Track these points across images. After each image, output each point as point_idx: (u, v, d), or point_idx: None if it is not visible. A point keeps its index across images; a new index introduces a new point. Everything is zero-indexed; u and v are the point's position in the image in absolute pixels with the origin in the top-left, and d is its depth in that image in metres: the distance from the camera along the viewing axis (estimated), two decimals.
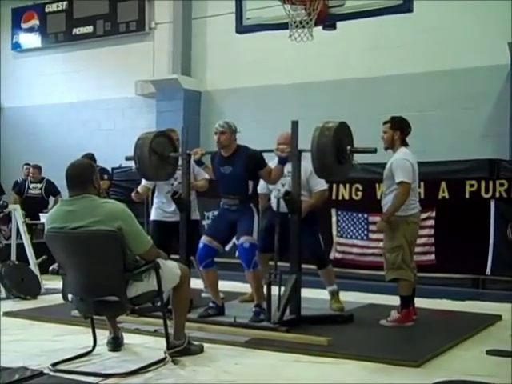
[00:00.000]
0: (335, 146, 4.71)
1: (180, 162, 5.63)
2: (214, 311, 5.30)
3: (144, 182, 6.09)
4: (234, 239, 5.52)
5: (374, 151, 4.90)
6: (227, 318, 5.15)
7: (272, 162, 5.34)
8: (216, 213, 5.92)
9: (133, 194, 6.07)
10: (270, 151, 5.29)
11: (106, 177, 9.11)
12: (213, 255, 5.31)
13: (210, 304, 5.36)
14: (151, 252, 3.99)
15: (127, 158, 5.70)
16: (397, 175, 5.12)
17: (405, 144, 5.33)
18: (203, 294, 6.08)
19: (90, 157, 8.52)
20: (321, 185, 5.67)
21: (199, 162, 5.53)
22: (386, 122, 5.38)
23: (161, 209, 6.08)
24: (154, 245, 4.04)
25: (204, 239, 5.30)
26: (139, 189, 6.12)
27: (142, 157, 5.42)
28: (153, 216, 6.18)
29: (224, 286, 6.04)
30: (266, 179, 5.35)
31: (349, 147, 4.83)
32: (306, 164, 5.19)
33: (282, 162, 5.14)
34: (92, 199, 3.86)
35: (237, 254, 5.91)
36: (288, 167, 5.26)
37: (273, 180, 5.31)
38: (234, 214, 5.25)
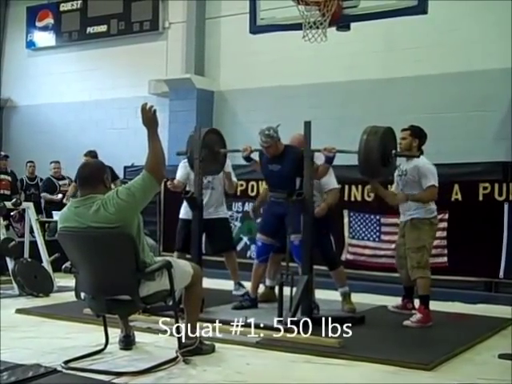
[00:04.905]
0: (381, 149, 4.92)
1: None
2: (248, 303, 5.54)
3: (178, 177, 6.16)
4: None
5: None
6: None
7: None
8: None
9: (168, 182, 6.07)
10: None
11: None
12: (270, 251, 5.66)
13: (245, 296, 5.61)
14: (156, 178, 3.84)
15: (178, 153, 5.85)
16: (428, 179, 5.32)
17: (421, 152, 5.49)
18: (234, 292, 6.22)
19: (94, 155, 8.46)
20: (332, 184, 5.72)
21: (248, 159, 5.67)
22: (404, 129, 5.52)
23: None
24: (153, 175, 3.81)
25: (261, 238, 5.62)
26: (175, 181, 6.16)
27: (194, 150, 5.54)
28: (182, 215, 6.27)
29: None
30: (313, 176, 5.43)
31: (393, 151, 5.07)
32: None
33: (329, 161, 5.27)
34: (97, 199, 3.81)
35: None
36: None
37: (319, 176, 5.43)
38: (282, 207, 5.38)
